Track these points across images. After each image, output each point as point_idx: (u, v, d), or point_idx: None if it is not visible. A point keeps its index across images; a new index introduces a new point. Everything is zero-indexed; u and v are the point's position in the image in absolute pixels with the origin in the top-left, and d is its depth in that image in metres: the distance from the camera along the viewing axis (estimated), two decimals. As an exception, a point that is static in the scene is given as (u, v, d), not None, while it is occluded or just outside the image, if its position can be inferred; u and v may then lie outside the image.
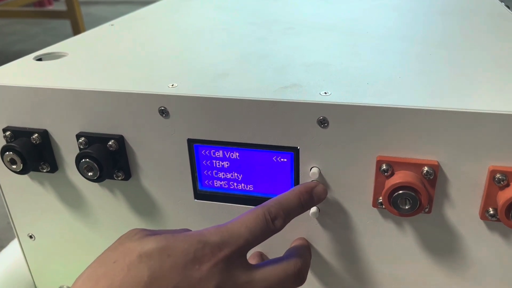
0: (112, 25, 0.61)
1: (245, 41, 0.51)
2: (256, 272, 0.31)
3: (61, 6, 3.16)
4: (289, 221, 0.33)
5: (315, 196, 0.35)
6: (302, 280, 0.33)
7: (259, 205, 0.33)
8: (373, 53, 0.45)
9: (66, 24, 2.73)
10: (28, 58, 0.48)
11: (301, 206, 0.34)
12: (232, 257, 0.30)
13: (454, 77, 0.37)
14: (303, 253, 0.35)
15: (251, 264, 0.31)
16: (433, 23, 0.56)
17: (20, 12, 2.73)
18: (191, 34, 0.55)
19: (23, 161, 0.40)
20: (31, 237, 0.48)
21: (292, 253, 0.34)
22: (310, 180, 0.36)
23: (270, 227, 0.32)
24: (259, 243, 0.32)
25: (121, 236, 0.31)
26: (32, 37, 3.17)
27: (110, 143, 0.39)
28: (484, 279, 0.36)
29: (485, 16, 0.57)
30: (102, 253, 0.30)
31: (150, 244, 0.29)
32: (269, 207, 0.32)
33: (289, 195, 0.34)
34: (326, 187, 0.36)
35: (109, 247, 0.30)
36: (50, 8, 3.71)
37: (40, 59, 0.48)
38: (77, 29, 2.50)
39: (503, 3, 0.63)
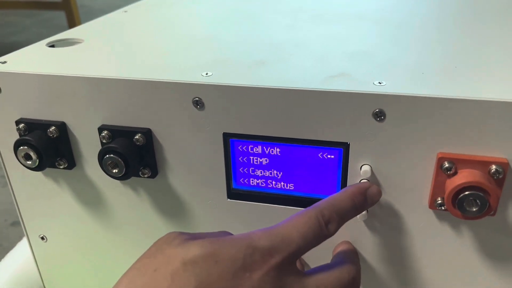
0: (125, 11, 0.57)
1: (274, 29, 0.47)
2: (308, 280, 0.28)
3: (54, -3, 3.09)
4: (342, 225, 0.30)
5: (368, 198, 0.31)
6: None
7: (309, 207, 0.29)
8: (415, 43, 0.42)
9: (61, 15, 2.67)
10: (40, 44, 0.44)
11: (355, 209, 0.30)
12: (284, 264, 0.27)
13: (515, 67, 0.34)
14: (354, 259, 0.32)
15: (302, 272, 0.28)
16: (469, 11, 0.53)
17: (14, 3, 2.66)
18: (214, 21, 0.51)
19: (39, 157, 0.37)
20: (42, 238, 0.44)
21: (342, 259, 0.31)
22: (360, 179, 0.33)
23: (323, 232, 0.28)
24: (311, 249, 0.28)
25: (157, 241, 0.28)
26: (26, 29, 3.10)
27: (137, 137, 0.35)
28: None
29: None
30: (138, 261, 0.27)
31: (194, 250, 0.25)
32: (322, 209, 0.29)
33: (341, 197, 0.30)
34: (380, 188, 0.32)
35: (144, 254, 0.27)
36: (44, -1, 3.63)
37: (53, 46, 0.44)
38: (72, 21, 2.44)
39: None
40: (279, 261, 0.26)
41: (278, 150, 0.34)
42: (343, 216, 0.30)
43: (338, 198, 0.30)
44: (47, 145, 0.37)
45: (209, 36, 0.45)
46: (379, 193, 0.32)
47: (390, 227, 0.34)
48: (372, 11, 0.54)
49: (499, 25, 0.46)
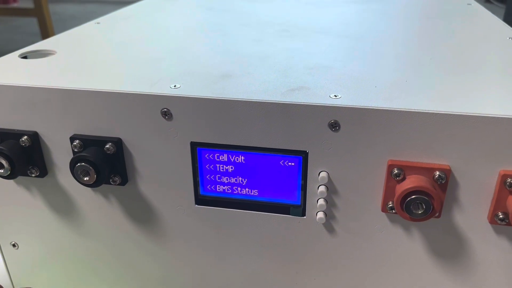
0: (98, 23, 0.58)
1: (241, 42, 0.50)
2: None
3: (26, 3, 3.04)
4: None
5: None
6: None
7: None
8: (373, 57, 0.45)
9: (33, 22, 2.63)
10: (12, 56, 0.45)
11: None
12: None
13: (460, 81, 0.37)
14: None
15: None
16: (423, 27, 0.57)
17: (-16, 9, 2.61)
18: (184, 34, 0.53)
19: (11, 165, 0.38)
20: (14, 245, 0.45)
21: None
22: (318, 185, 0.36)
23: None
24: None
25: None
26: (-4, 35, 3.04)
27: (108, 146, 0.37)
28: (491, 283, 0.37)
29: (472, 20, 0.58)
30: None
31: None
32: None
33: None
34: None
35: None
36: (16, 5, 3.57)
37: (25, 57, 0.45)
38: (44, 28, 2.41)
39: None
40: None
41: (242, 158, 0.36)
42: None
43: None
44: (19, 154, 0.38)
45: (179, 48, 0.47)
46: None
47: (347, 229, 0.37)
48: (336, 26, 0.57)
49: (450, 42, 0.50)
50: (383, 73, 0.40)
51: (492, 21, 0.58)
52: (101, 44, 0.49)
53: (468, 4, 0.69)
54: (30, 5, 2.46)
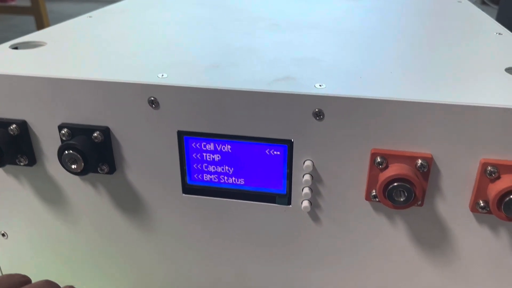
0: (90, 17, 0.59)
1: (231, 36, 0.50)
2: None
3: (23, 2, 3.04)
4: None
5: None
6: None
7: None
8: (360, 50, 0.45)
9: (30, 20, 2.63)
10: (3, 46, 0.45)
11: None
12: None
13: (443, 72, 0.38)
14: None
15: None
16: (412, 23, 0.57)
17: (-19, 7, 2.61)
18: (175, 28, 0.54)
19: (0, 154, 0.38)
20: (3, 235, 0.45)
21: None
22: (303, 174, 0.36)
23: None
24: None
25: None
26: (-7, 34, 3.04)
27: (95, 134, 0.37)
28: (472, 271, 0.37)
29: (461, 16, 0.59)
30: None
31: None
32: None
33: None
34: None
35: None
36: (13, 3, 3.57)
37: (16, 48, 0.45)
38: (41, 26, 2.41)
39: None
40: None
41: (229, 147, 0.37)
42: None
43: None
44: (8, 143, 0.38)
45: (169, 41, 0.48)
46: None
47: (331, 218, 0.37)
48: (327, 21, 0.57)
49: (438, 37, 0.50)
50: (369, 66, 0.40)
51: (481, 18, 0.59)
52: (92, 37, 0.49)
53: (458, 1, 0.69)
54: (27, 3, 2.47)
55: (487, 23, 0.56)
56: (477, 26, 0.55)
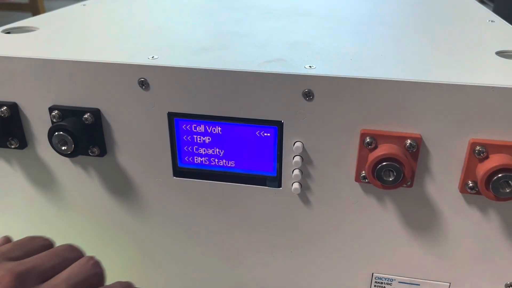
0: (84, 5, 0.59)
1: (224, 22, 0.50)
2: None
3: (21, -1, 3.03)
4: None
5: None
6: None
7: None
8: (352, 35, 0.45)
9: (28, 17, 2.63)
10: (-5, 31, 0.45)
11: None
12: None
13: (434, 54, 0.38)
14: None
15: None
16: (405, 11, 0.57)
17: (-22, 4, 2.61)
18: (168, 15, 0.54)
19: (-10, 135, 0.38)
20: (-5, 220, 0.45)
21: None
22: (293, 156, 0.36)
23: None
24: None
25: None
26: (-10, 30, 3.03)
27: (86, 116, 0.37)
28: (461, 251, 0.37)
29: (455, 4, 0.59)
30: None
31: None
32: None
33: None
34: None
35: None
36: (11, 0, 3.56)
37: (8, 33, 0.45)
38: (39, 23, 2.41)
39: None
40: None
41: (219, 128, 0.37)
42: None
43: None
44: (-2, 125, 0.38)
45: (161, 26, 0.48)
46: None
47: (321, 200, 0.37)
48: (320, 9, 0.57)
49: (430, 23, 0.50)
50: (361, 49, 0.40)
51: (475, 7, 0.59)
52: (84, 22, 0.49)
53: (453, -8, 0.69)
54: (25, 0, 2.47)
55: (480, 11, 0.56)
56: (470, 14, 0.55)
